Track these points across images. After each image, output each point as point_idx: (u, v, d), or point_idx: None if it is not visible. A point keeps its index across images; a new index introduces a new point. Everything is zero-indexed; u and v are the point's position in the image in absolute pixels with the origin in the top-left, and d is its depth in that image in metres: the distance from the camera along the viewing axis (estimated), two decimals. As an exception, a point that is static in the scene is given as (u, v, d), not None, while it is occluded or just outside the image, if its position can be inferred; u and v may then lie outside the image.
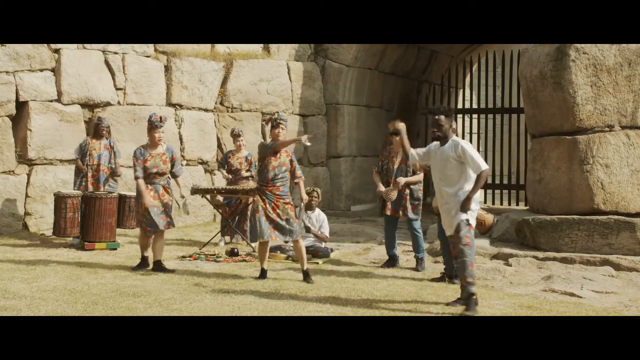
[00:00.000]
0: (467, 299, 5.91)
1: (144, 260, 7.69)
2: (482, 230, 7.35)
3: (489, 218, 7.28)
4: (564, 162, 8.73)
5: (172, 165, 7.76)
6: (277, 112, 7.50)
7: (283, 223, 7.09)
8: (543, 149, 9.05)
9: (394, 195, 7.88)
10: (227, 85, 12.13)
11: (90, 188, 9.33)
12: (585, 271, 7.73)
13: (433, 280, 7.37)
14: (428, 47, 14.68)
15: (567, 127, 8.72)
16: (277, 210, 7.12)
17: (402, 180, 7.86)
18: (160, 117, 7.69)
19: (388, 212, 8.00)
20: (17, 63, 9.85)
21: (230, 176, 9.71)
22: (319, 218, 8.93)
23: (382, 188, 7.97)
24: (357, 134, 13.74)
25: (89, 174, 9.40)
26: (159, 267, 7.54)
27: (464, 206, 5.93)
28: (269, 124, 7.37)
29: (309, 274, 7.20)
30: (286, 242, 7.44)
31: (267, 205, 7.11)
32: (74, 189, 9.45)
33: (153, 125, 7.64)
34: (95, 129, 9.61)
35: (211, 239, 9.49)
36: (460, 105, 16.17)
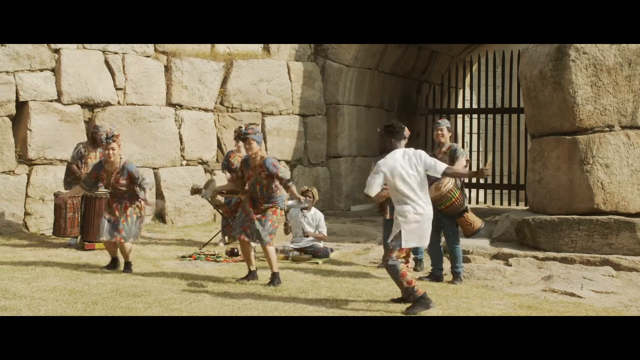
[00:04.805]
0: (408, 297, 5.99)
1: (113, 261, 7.69)
2: (468, 232, 7.32)
3: (477, 222, 7.29)
4: (564, 162, 8.73)
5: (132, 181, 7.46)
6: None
7: (257, 227, 6.93)
8: (543, 149, 9.05)
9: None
10: (227, 85, 12.12)
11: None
12: (585, 271, 7.73)
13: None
14: (428, 47, 14.67)
15: (567, 127, 8.72)
16: (259, 214, 6.99)
17: None
18: (106, 132, 7.47)
19: (387, 217, 7.65)
20: (17, 63, 9.85)
21: (232, 176, 9.69)
22: (315, 217, 8.94)
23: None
24: (357, 134, 13.73)
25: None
26: (127, 267, 7.56)
27: None
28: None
29: (276, 278, 6.94)
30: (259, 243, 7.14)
31: (252, 207, 7.03)
32: (64, 188, 9.34)
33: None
34: (92, 138, 9.29)
35: (211, 239, 9.49)
36: (460, 105, 16.17)
